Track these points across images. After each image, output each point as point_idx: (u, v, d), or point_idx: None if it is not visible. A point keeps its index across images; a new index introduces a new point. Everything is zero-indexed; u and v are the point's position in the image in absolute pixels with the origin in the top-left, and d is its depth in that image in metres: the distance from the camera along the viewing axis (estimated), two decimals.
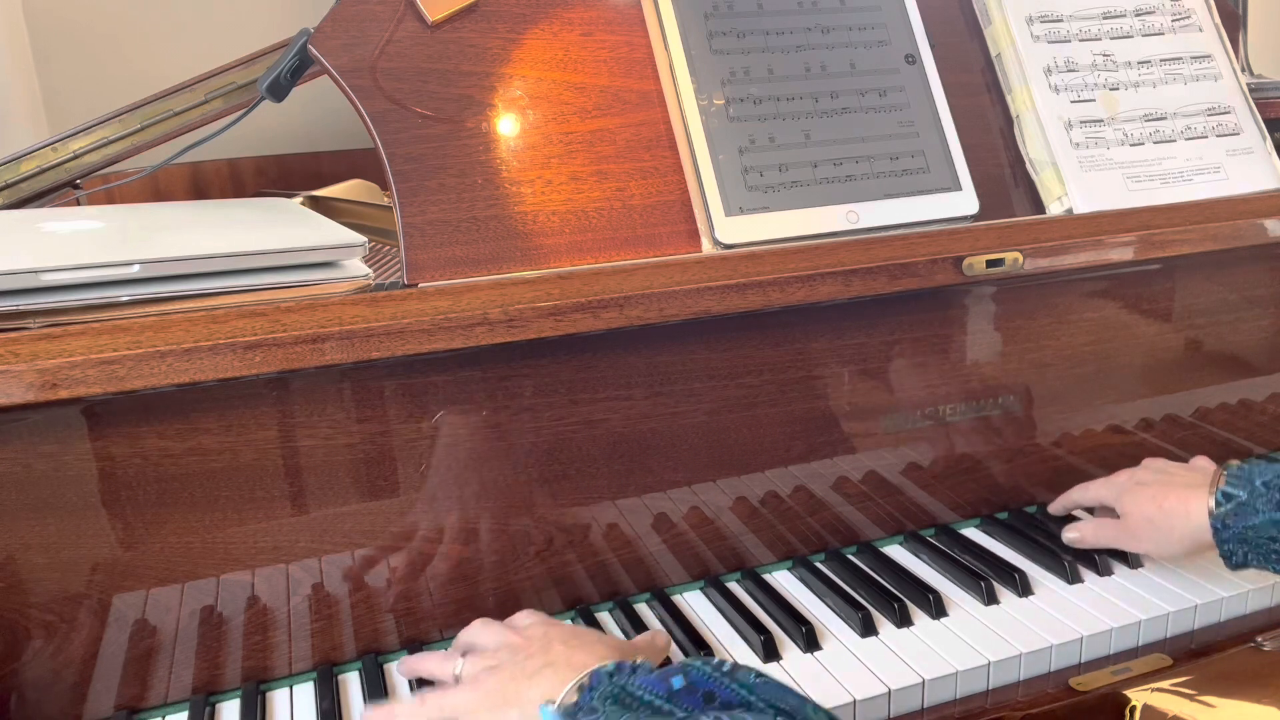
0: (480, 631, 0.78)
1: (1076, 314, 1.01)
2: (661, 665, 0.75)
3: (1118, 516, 0.93)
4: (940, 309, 0.95)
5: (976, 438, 1.00)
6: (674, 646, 0.84)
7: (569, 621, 0.88)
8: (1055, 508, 1.02)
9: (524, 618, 0.80)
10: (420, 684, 0.80)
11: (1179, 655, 0.84)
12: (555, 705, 0.66)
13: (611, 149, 0.87)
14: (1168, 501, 0.86)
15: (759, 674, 0.63)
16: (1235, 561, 0.81)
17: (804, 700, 0.61)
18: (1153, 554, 0.90)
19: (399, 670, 0.81)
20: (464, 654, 0.76)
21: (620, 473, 0.88)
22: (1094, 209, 0.98)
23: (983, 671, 0.81)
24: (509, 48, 0.86)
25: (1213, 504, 0.82)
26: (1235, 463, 0.86)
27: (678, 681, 0.62)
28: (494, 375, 0.82)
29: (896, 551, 0.99)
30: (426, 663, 0.79)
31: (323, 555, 0.80)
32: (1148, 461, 0.97)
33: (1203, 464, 0.94)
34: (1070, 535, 0.95)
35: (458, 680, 0.75)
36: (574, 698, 0.66)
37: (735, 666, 0.63)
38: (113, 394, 0.69)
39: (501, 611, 0.87)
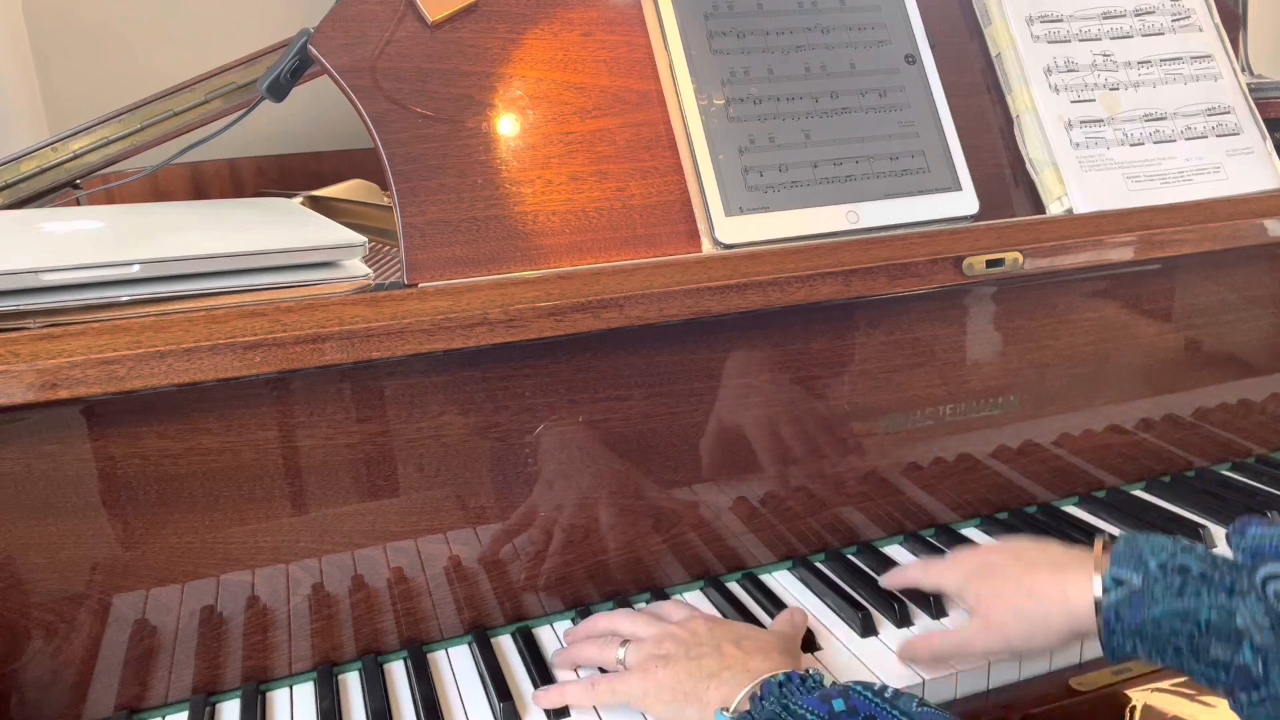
0: (631, 623, 0.81)
1: (1076, 314, 1.01)
2: (804, 643, 0.80)
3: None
4: (940, 309, 0.95)
5: (976, 438, 1.00)
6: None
7: (570, 622, 0.88)
8: (887, 583, 0.89)
9: (676, 610, 0.83)
10: (417, 674, 0.80)
11: None
12: (731, 711, 0.68)
13: (611, 149, 0.87)
14: (1038, 585, 0.72)
15: (921, 701, 0.63)
16: (1120, 655, 0.68)
17: None
18: (1020, 649, 0.75)
19: (557, 662, 0.82)
20: (622, 643, 0.78)
21: (620, 473, 0.87)
22: (1094, 209, 0.98)
23: (983, 671, 0.81)
24: (509, 48, 0.86)
25: (1099, 589, 0.69)
26: (1116, 536, 0.72)
27: (839, 704, 0.64)
28: (494, 375, 0.82)
29: (896, 551, 0.99)
30: (586, 650, 0.81)
31: (323, 555, 0.80)
32: (979, 550, 0.84)
33: (1051, 542, 0.79)
34: (907, 654, 0.80)
35: (622, 665, 0.77)
36: (746, 705, 0.68)
37: (897, 693, 0.64)
38: (113, 394, 0.69)
39: (502, 610, 0.87)
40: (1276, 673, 0.62)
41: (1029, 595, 0.72)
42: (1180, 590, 0.66)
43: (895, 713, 0.62)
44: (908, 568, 0.89)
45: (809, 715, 0.64)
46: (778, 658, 0.74)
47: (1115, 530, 1.00)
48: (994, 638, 0.75)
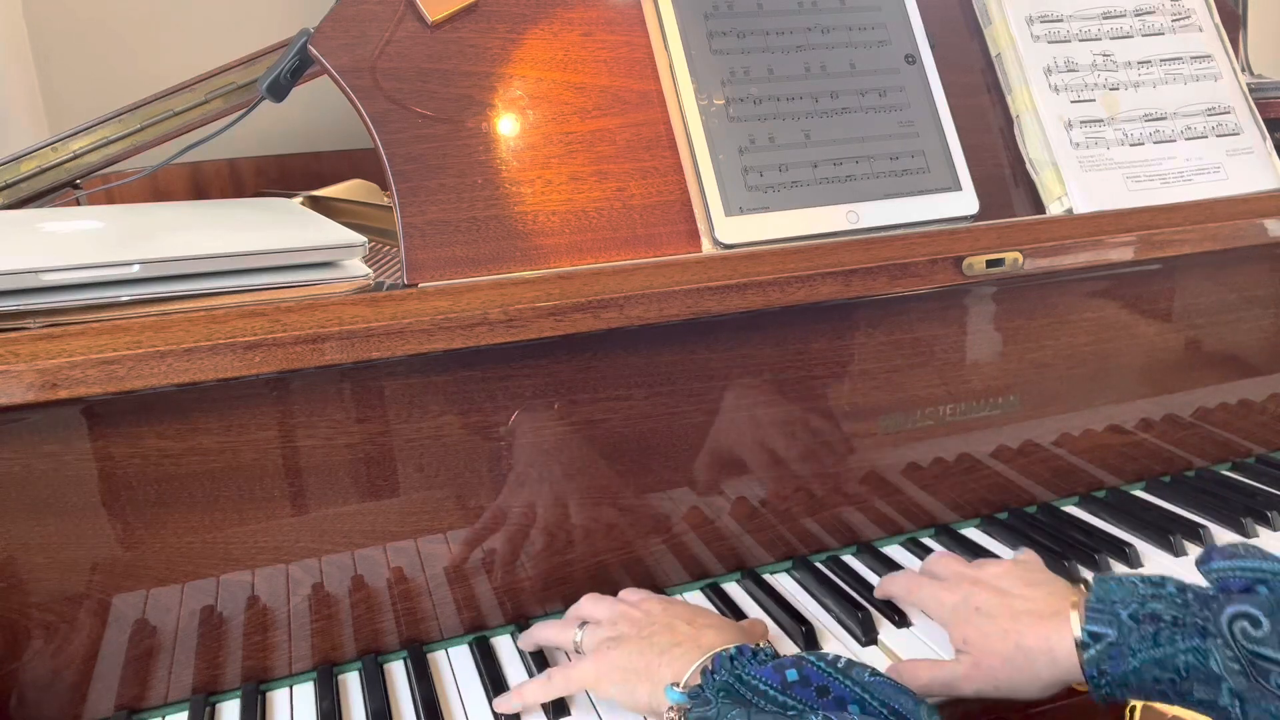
0: (593, 606, 0.81)
1: (1076, 314, 1.01)
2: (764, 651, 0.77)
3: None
4: (940, 309, 0.95)
5: (976, 438, 1.00)
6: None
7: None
8: (878, 593, 0.89)
9: (633, 594, 0.84)
10: (417, 674, 0.80)
11: None
12: (681, 686, 0.68)
13: (611, 149, 0.87)
14: (1025, 639, 0.72)
15: (874, 671, 0.63)
16: (1108, 702, 0.70)
17: (918, 701, 0.61)
18: (1010, 695, 0.74)
19: (521, 644, 0.84)
20: (580, 625, 0.79)
21: (620, 473, 0.87)
22: (1094, 209, 0.98)
23: None
24: (509, 48, 0.86)
25: (1078, 639, 0.70)
26: (1087, 584, 0.74)
27: (792, 674, 0.63)
28: (494, 375, 0.82)
29: (897, 552, 0.99)
30: (547, 631, 0.82)
31: (323, 555, 0.80)
32: (956, 570, 0.83)
33: (1029, 556, 0.82)
34: (902, 673, 0.78)
35: (578, 649, 0.78)
36: (697, 680, 0.67)
37: (850, 663, 0.64)
38: (113, 394, 0.69)
39: (501, 610, 0.87)
40: (1254, 714, 0.63)
41: (1017, 647, 0.73)
42: (1155, 639, 0.67)
43: (848, 682, 0.62)
44: (894, 581, 0.87)
45: (761, 685, 0.63)
46: (731, 633, 0.73)
47: (1115, 530, 1.00)
48: (983, 683, 0.75)
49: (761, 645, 0.69)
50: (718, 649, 0.68)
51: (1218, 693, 0.64)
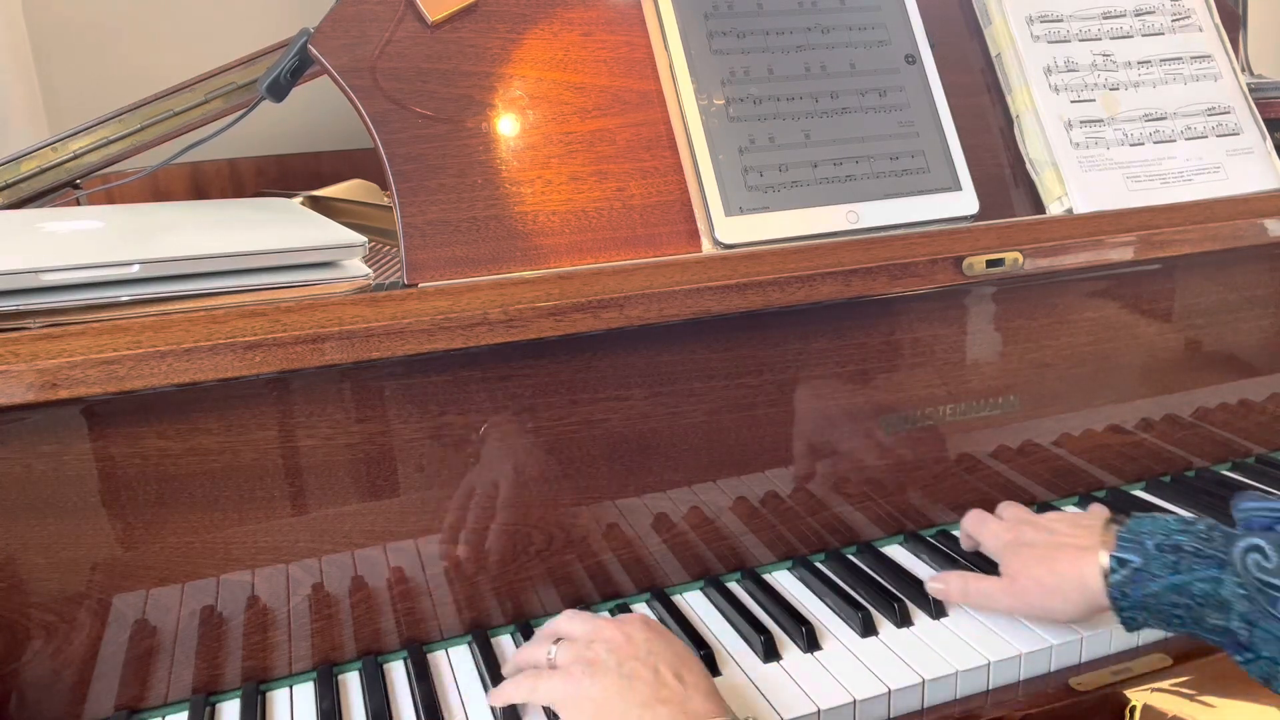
0: (568, 622, 0.77)
1: (1076, 314, 1.01)
2: None
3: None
4: (940, 309, 0.95)
5: (976, 438, 1.00)
6: None
7: None
8: (962, 534, 0.96)
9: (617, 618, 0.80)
10: (417, 674, 0.80)
11: (1179, 655, 0.84)
12: None
13: (611, 149, 0.87)
14: (1059, 564, 0.79)
15: None
16: (1134, 626, 0.76)
17: None
18: (1042, 618, 0.83)
19: (505, 672, 0.80)
20: (555, 641, 0.76)
21: (620, 472, 0.87)
22: (1094, 209, 0.98)
23: (983, 671, 0.81)
24: (509, 48, 0.86)
25: (1106, 568, 0.76)
26: (1122, 520, 0.79)
27: None
28: (494, 375, 0.82)
29: (896, 551, 0.99)
30: (522, 652, 0.78)
31: (323, 555, 0.80)
32: (1018, 515, 0.91)
33: (1090, 520, 0.85)
34: (935, 586, 0.87)
35: (551, 664, 0.74)
36: None
37: None
38: (113, 394, 0.69)
39: (502, 610, 0.87)
40: (1260, 636, 0.69)
41: (1050, 571, 0.80)
42: (1175, 567, 0.73)
43: None
44: (967, 517, 0.94)
45: None
46: (719, 701, 0.68)
47: None
48: (1016, 601, 0.83)
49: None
50: None
51: (1228, 618, 0.71)
